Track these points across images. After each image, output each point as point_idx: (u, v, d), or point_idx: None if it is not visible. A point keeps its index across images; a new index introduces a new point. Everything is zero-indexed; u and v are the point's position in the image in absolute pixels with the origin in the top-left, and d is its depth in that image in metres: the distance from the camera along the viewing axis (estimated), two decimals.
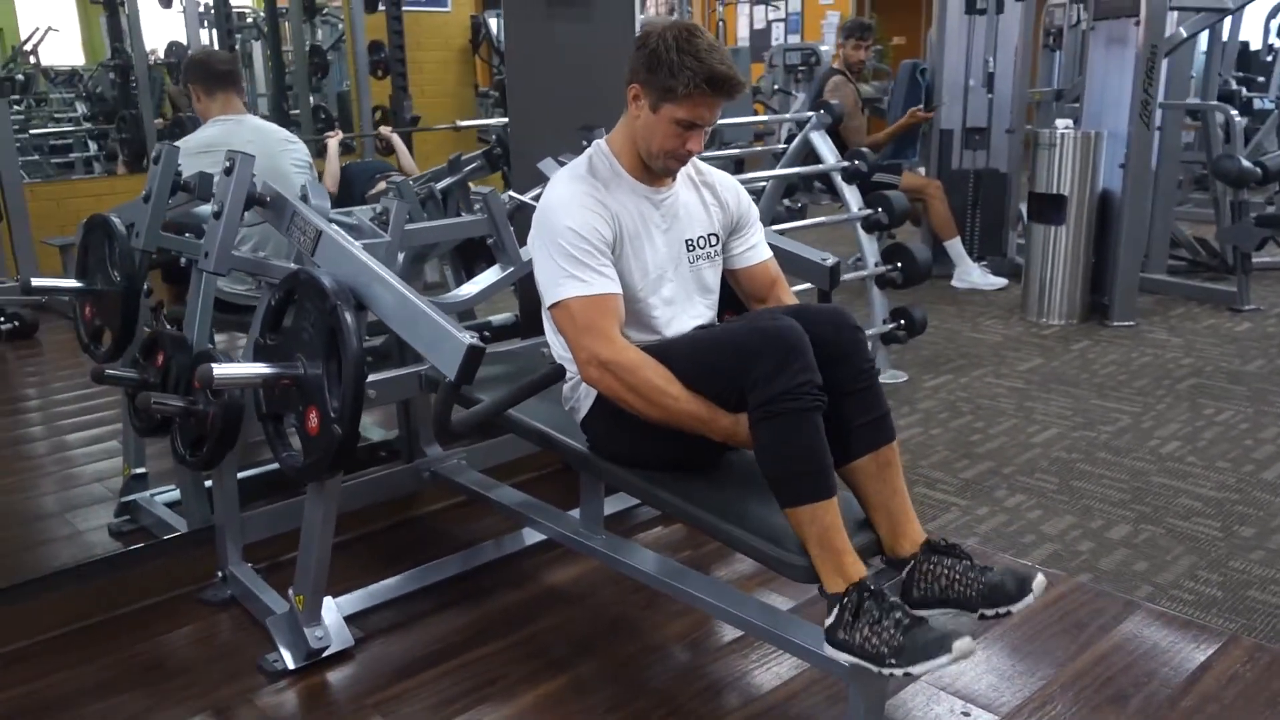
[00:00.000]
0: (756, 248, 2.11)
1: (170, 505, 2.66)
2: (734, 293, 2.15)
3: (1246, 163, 5.12)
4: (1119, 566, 2.62)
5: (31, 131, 7.08)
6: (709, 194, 2.05)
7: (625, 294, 1.88)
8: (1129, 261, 4.97)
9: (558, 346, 1.97)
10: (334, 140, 4.31)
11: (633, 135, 1.92)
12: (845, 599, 1.64)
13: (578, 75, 2.96)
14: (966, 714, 1.94)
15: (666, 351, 1.84)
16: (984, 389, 4.06)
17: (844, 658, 1.65)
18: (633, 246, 1.92)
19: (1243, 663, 2.08)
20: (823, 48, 8.89)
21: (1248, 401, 3.85)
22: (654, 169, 1.93)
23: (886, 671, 1.59)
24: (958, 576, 1.71)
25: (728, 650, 2.17)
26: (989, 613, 1.69)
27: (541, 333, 2.10)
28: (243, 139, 3.05)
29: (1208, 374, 4.20)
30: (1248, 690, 1.99)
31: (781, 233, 3.05)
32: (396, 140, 5.18)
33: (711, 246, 2.04)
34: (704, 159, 2.15)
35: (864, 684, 1.74)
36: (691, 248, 2.01)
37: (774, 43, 11.48)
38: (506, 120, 3.42)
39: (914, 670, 1.57)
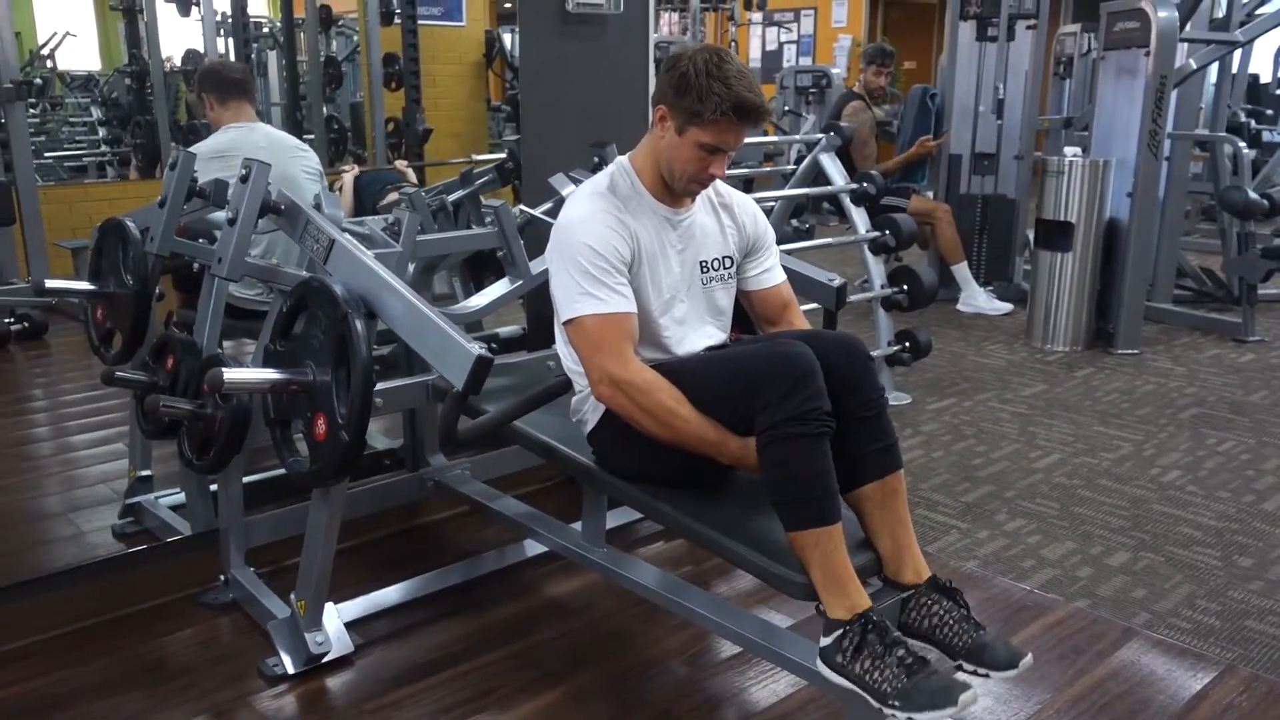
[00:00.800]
0: (771, 271, 2.13)
1: (174, 508, 2.67)
2: (744, 312, 2.17)
3: (1254, 194, 5.14)
4: (1117, 593, 2.63)
5: (47, 155, 7.14)
6: (727, 216, 2.07)
7: (639, 313, 1.90)
8: (1134, 290, 4.99)
9: (568, 360, 1.99)
10: (350, 175, 4.34)
11: (656, 155, 1.93)
12: (849, 628, 1.65)
13: (591, 92, 2.99)
14: None
15: (678, 371, 1.85)
16: (987, 413, 4.07)
17: (837, 679, 1.66)
18: (649, 266, 1.93)
19: (1239, 692, 2.09)
20: (834, 70, 8.95)
21: (1250, 432, 3.85)
22: (675, 190, 1.95)
23: (888, 712, 1.60)
24: (951, 622, 1.73)
25: (725, 666, 2.17)
26: (968, 667, 1.71)
27: (548, 345, 2.11)
28: (254, 145, 3.09)
29: (1210, 404, 4.20)
30: None
31: (789, 253, 3.06)
32: (410, 175, 5.23)
33: (725, 269, 2.06)
34: None
35: (860, 705, 1.74)
36: (705, 269, 2.02)
37: (785, 64, 11.54)
38: (514, 141, 3.47)
39: (918, 717, 1.58)
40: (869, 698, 1.62)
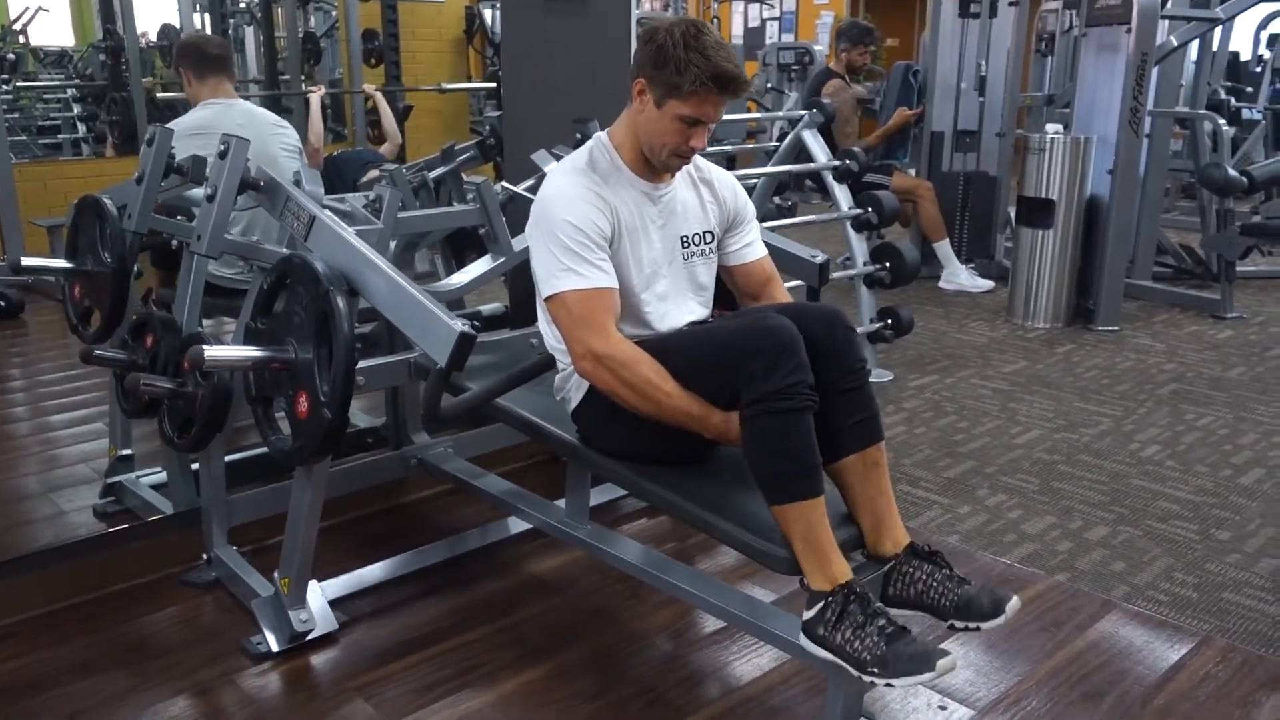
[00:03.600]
0: (752, 245, 2.13)
1: (156, 487, 2.66)
2: (726, 289, 2.17)
3: (1233, 171, 5.17)
4: (1097, 566, 2.65)
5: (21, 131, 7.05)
6: (707, 191, 2.06)
7: (620, 289, 1.89)
8: (1115, 267, 5.02)
9: (550, 337, 1.98)
10: (316, 95, 4.29)
11: (635, 130, 1.92)
12: (830, 598, 1.66)
13: (573, 68, 2.97)
14: (944, 708, 1.96)
15: (661, 347, 1.85)
16: (968, 390, 4.10)
17: (820, 652, 1.67)
18: (630, 241, 1.92)
19: (1215, 663, 2.12)
20: (816, 47, 8.92)
21: (1227, 408, 3.89)
22: (656, 165, 1.94)
23: (867, 679, 1.61)
24: (935, 584, 1.73)
25: (709, 641, 2.19)
26: (959, 624, 1.71)
27: (531, 323, 2.11)
28: (233, 122, 3.05)
29: (1189, 380, 4.24)
30: (1220, 690, 2.03)
31: (772, 230, 3.06)
32: (380, 99, 5.16)
33: (706, 244, 2.05)
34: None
35: (843, 678, 1.76)
36: (686, 244, 2.02)
37: (768, 41, 11.50)
38: (491, 84, 3.44)
39: (896, 682, 1.60)
40: (849, 667, 1.63)
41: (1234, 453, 3.45)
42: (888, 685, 1.61)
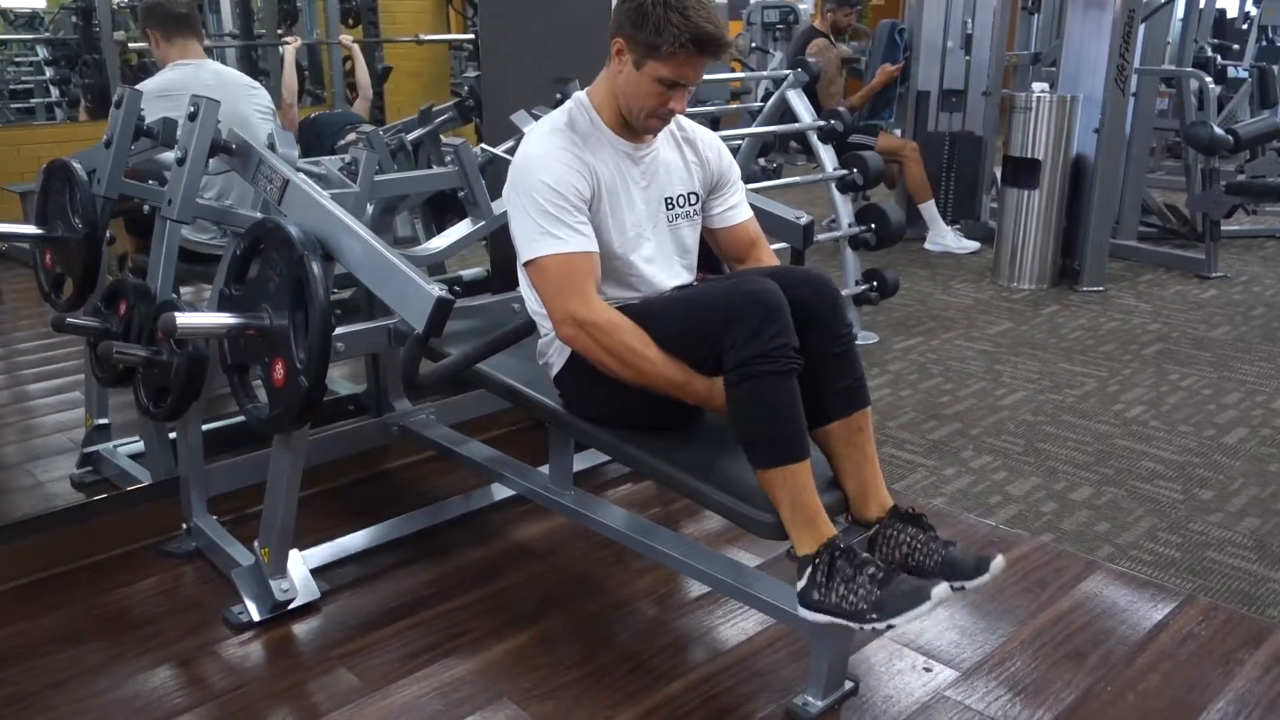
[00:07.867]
0: (737, 208, 2.09)
1: (134, 457, 2.63)
2: (710, 252, 2.14)
3: (1219, 130, 5.15)
4: (1081, 527, 2.66)
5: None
6: (690, 151, 2.03)
7: (603, 252, 1.86)
8: (1100, 227, 5.00)
9: (532, 302, 1.95)
10: (290, 48, 4.20)
11: (614, 90, 1.88)
12: (817, 559, 1.65)
13: (552, 27, 2.91)
14: (928, 669, 1.96)
15: (644, 312, 1.82)
16: (954, 351, 4.09)
17: (818, 618, 1.65)
18: (611, 203, 1.89)
19: (1198, 622, 2.12)
20: (801, 6, 8.81)
21: (1211, 367, 3.90)
22: (634, 127, 1.90)
23: (868, 627, 1.60)
24: (919, 546, 1.72)
25: (694, 606, 2.18)
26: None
27: (513, 288, 2.08)
28: (203, 83, 2.96)
29: (1173, 340, 4.24)
30: (1202, 648, 2.03)
31: (756, 192, 3.03)
32: (356, 50, 5.08)
33: (691, 205, 2.02)
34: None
35: (827, 640, 1.76)
36: (670, 206, 1.98)
37: (752, 0, 11.37)
38: (469, 36, 3.36)
39: (895, 621, 1.58)
40: (849, 622, 1.61)
41: (1218, 412, 3.46)
42: (889, 627, 1.59)
